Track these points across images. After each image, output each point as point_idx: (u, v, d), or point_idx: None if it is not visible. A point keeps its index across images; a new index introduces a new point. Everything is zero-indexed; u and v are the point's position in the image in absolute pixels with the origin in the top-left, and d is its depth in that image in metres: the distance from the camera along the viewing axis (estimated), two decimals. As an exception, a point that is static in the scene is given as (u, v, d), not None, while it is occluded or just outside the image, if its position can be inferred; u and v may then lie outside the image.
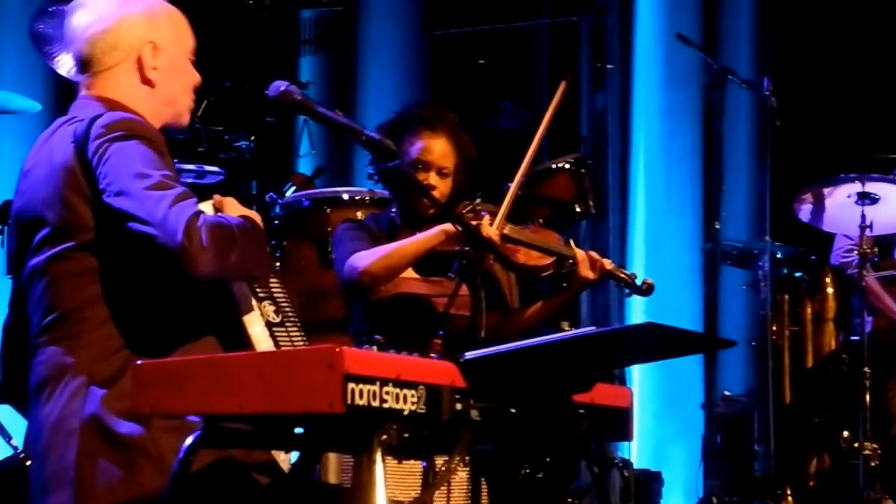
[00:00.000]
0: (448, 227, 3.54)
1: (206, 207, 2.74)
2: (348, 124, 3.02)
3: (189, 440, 2.44)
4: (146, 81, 2.83)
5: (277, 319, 2.82)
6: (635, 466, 5.88)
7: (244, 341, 2.74)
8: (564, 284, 3.81)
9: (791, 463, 5.66)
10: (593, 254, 3.77)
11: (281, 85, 2.95)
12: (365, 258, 3.60)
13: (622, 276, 3.80)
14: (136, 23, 2.82)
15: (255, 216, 2.75)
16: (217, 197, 2.80)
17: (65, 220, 2.70)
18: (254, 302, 2.80)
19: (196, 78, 2.91)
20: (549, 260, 3.72)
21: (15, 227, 2.82)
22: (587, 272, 3.73)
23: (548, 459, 3.08)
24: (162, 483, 2.54)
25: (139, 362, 2.44)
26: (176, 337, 2.69)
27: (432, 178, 3.74)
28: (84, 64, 2.84)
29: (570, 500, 4.77)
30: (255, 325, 2.77)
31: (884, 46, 6.72)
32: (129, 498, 2.61)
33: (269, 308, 2.83)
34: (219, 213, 2.72)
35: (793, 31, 6.61)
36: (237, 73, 6.07)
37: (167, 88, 2.85)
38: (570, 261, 3.73)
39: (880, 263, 5.51)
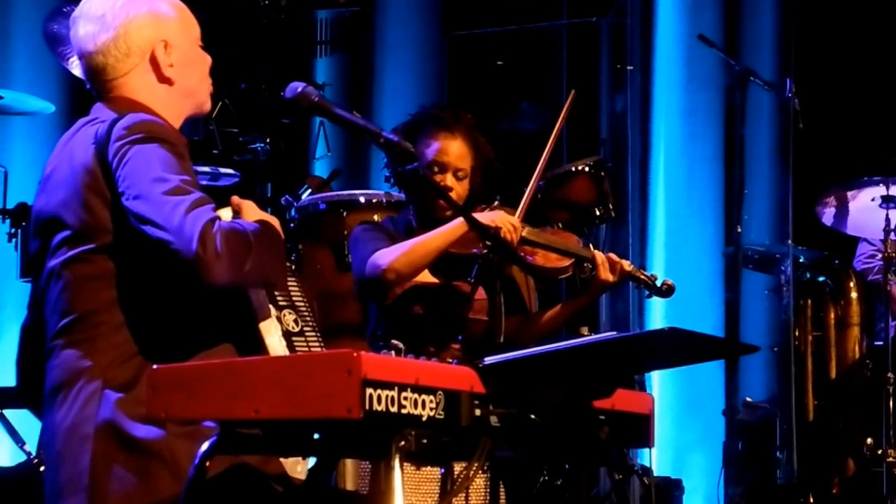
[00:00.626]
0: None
1: (226, 213, 2.71)
2: (366, 126, 2.99)
3: (205, 446, 2.42)
4: (164, 80, 2.81)
5: (297, 329, 2.79)
6: (655, 474, 5.84)
7: (260, 349, 2.71)
8: (583, 288, 3.78)
9: (814, 470, 5.60)
10: (613, 256, 3.74)
11: (298, 86, 2.93)
12: (388, 255, 3.57)
13: (642, 277, 3.77)
14: (144, 24, 2.80)
15: (273, 221, 2.72)
16: (235, 199, 2.77)
17: (83, 222, 2.68)
18: (273, 311, 2.78)
19: (208, 61, 2.89)
20: (567, 262, 3.69)
21: (34, 229, 2.80)
22: (606, 274, 3.70)
23: (567, 466, 3.05)
24: (176, 489, 2.52)
25: (154, 367, 2.42)
26: (192, 343, 2.67)
27: (449, 180, 3.71)
28: (98, 73, 2.82)
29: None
30: (272, 334, 2.74)
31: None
32: (143, 504, 2.58)
33: (290, 317, 2.80)
34: (235, 219, 2.69)
35: (816, 32, 6.55)
36: (252, 75, 6.05)
37: (186, 82, 2.83)
38: (589, 263, 3.70)
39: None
